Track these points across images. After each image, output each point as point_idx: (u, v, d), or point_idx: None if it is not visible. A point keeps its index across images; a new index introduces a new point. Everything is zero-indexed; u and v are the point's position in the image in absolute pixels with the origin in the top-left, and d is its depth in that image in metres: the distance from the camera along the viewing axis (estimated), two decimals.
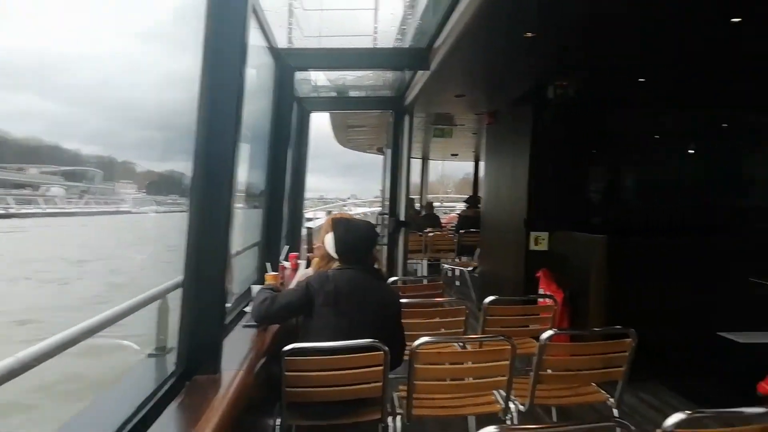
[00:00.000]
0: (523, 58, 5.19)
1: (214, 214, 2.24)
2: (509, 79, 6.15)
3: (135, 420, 1.71)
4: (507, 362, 2.61)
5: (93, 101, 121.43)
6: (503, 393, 2.74)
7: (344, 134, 13.61)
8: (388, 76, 7.71)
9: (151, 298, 2.46)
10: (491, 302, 3.68)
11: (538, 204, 5.74)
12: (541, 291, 5.00)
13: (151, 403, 1.83)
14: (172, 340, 2.40)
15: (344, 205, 26.15)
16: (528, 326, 3.89)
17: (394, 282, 4.77)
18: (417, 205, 13.39)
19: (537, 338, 3.77)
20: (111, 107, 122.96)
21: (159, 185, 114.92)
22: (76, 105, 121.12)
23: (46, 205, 61.72)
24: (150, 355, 2.36)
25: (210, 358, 2.17)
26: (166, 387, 1.97)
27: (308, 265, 4.48)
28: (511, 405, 2.76)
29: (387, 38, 7.02)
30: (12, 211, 53.06)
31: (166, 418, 1.79)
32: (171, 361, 2.25)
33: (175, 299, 2.45)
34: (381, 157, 13.14)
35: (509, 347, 2.61)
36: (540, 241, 5.47)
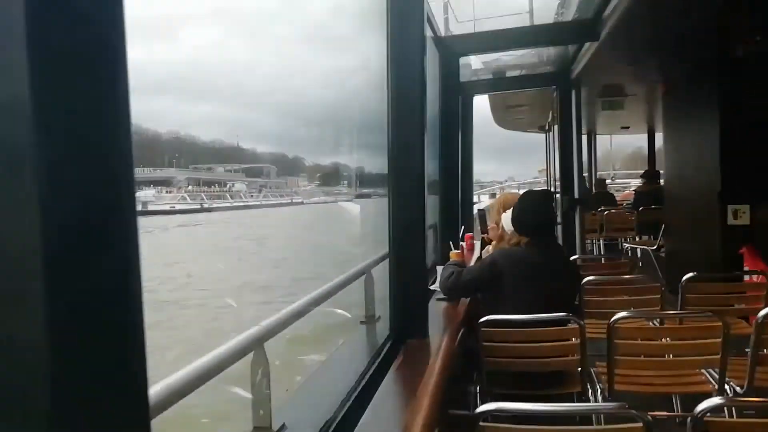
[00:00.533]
0: (708, 14, 4.71)
1: (410, 195, 2.47)
2: (690, 41, 5.61)
3: (363, 381, 1.94)
4: (717, 340, 2.47)
5: (264, 104, 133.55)
6: (714, 373, 2.60)
7: (504, 115, 13.38)
8: (550, 51, 7.46)
9: (359, 272, 2.75)
10: (690, 279, 3.46)
11: (735, 175, 5.17)
12: (746, 269, 4.54)
13: (374, 366, 2.07)
14: (378, 309, 2.67)
15: (503, 188, 25.67)
16: (733, 305, 3.59)
17: (574, 260, 4.68)
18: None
19: (745, 318, 3.48)
20: (279, 108, 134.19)
21: (326, 177, 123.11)
22: (249, 109, 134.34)
23: (232, 200, 69.69)
24: (362, 323, 2.65)
25: (419, 323, 2.39)
26: (384, 351, 2.22)
27: (482, 245, 4.58)
28: (726, 386, 2.60)
29: (544, 14, 6.81)
30: (206, 205, 60.70)
31: (390, 380, 1.99)
32: (381, 327, 2.51)
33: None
34: (542, 136, 12.71)
35: (719, 324, 2.47)
36: (740, 215, 4.95)
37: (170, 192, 59.99)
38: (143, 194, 56.80)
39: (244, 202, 69.61)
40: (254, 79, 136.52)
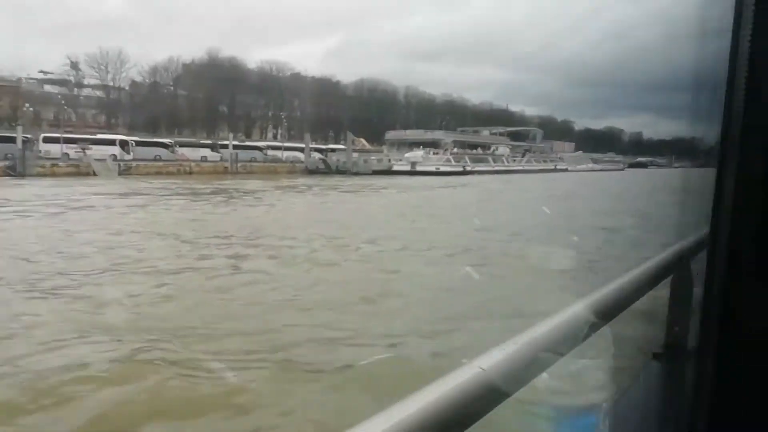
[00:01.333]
0: None
1: None
2: None
3: None
4: None
5: (536, 65, 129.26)
6: None
7: None
8: None
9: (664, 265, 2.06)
10: None
11: None
12: None
13: None
14: None
15: None
16: None
17: None
18: None
19: None
20: (551, 69, 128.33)
21: (596, 143, 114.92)
22: (520, 71, 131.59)
23: (494, 164, 70.05)
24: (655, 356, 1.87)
25: None
26: None
27: None
28: None
29: None
30: (468, 168, 62.14)
31: None
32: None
33: None
34: None
35: None
36: None
37: (437, 153, 63.02)
38: (412, 155, 61.09)
39: (506, 166, 69.35)
40: (530, 39, 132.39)
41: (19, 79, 76.63)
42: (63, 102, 67.56)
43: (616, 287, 1.36)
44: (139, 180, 38.81)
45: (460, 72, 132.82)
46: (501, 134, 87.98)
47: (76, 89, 75.96)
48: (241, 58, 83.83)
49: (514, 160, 76.17)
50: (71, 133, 54.38)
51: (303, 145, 60.43)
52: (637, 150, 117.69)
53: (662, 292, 1.67)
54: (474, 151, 71.68)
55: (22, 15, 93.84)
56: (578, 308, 1.15)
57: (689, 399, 1.35)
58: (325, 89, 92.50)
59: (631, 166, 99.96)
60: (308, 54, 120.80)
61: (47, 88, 76.15)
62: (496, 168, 67.48)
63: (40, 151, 45.95)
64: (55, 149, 45.32)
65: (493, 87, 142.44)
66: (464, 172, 59.29)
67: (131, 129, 71.49)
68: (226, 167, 51.67)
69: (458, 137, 76.01)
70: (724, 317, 1.22)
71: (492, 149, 77.39)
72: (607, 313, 1.27)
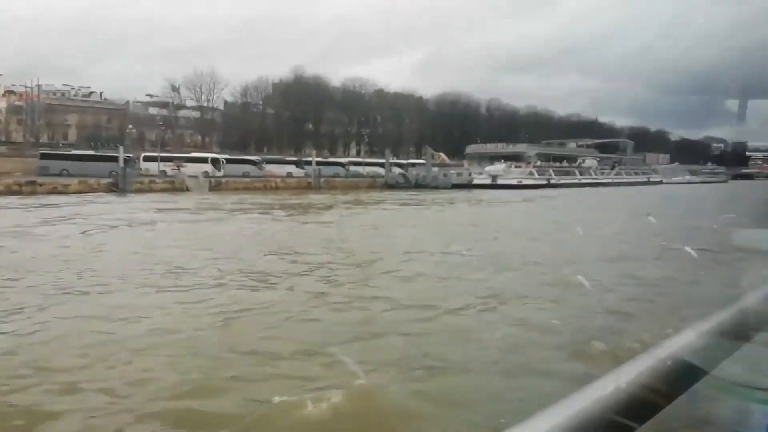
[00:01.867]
0: None
1: None
2: None
3: None
4: None
5: (627, 72, 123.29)
6: None
7: None
8: None
9: None
10: None
11: None
12: None
13: None
14: None
15: None
16: None
17: None
18: None
19: None
20: (645, 75, 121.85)
21: (692, 154, 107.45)
22: (611, 79, 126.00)
23: (581, 176, 67.21)
24: None
25: None
26: None
27: None
28: None
29: None
30: (552, 181, 60.04)
31: None
32: None
33: None
34: None
35: None
36: None
37: (518, 167, 61.31)
38: (493, 168, 59.89)
39: (593, 179, 66.14)
40: (623, 45, 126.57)
41: (127, 102, 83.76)
42: (161, 123, 72.78)
43: None
44: (229, 195, 40.98)
45: (546, 83, 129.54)
46: (588, 146, 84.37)
47: (175, 111, 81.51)
48: (326, 76, 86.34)
49: (603, 173, 72.65)
50: (169, 151, 58.45)
51: (383, 161, 61.12)
52: (741, 160, 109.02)
53: None
54: (559, 163, 69.04)
55: (128, 41, 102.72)
56: (717, 322, 1.00)
57: None
58: (407, 104, 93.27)
59: (736, 177, 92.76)
60: (394, 70, 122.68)
61: (151, 110, 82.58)
62: (583, 181, 64.66)
63: (140, 169, 49.72)
64: (153, 167, 48.84)
65: (581, 97, 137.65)
66: (548, 185, 57.35)
67: (223, 147, 75.76)
68: (309, 182, 53.22)
69: (542, 150, 73.72)
70: None
71: (578, 162, 74.23)
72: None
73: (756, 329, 1.03)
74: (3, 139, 69.18)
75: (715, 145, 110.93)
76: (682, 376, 0.82)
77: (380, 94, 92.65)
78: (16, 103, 74.62)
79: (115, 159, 44.21)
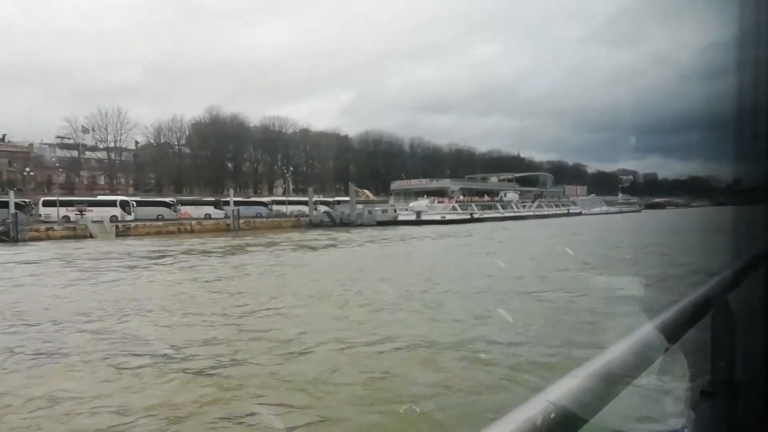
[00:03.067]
0: None
1: None
2: None
3: None
4: None
5: (541, 112, 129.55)
6: None
7: None
8: None
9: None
10: None
11: None
12: None
13: None
14: None
15: None
16: None
17: None
18: None
19: None
20: (558, 114, 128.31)
21: (608, 185, 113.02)
22: (528, 118, 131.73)
23: (503, 210, 68.50)
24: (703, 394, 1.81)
25: None
26: None
27: None
28: None
29: None
30: (476, 215, 60.71)
31: None
32: None
33: None
34: None
35: None
36: None
37: (441, 202, 61.74)
38: (417, 204, 59.91)
39: (515, 212, 67.47)
40: (536, 87, 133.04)
41: (30, 144, 78.29)
42: (57, 165, 68.41)
43: (658, 325, 1.33)
44: (136, 240, 38.19)
45: (466, 122, 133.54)
46: (509, 180, 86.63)
47: (84, 152, 77.02)
48: (243, 115, 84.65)
49: (524, 206, 74.52)
50: (74, 195, 54.56)
51: (307, 199, 59.93)
52: (653, 190, 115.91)
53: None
54: (479, 198, 70.11)
55: (40, 82, 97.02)
56: (618, 350, 1.12)
57: None
58: (331, 143, 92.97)
59: (648, 207, 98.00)
60: (320, 111, 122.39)
61: (59, 152, 77.45)
62: (505, 214, 65.85)
63: (40, 215, 45.83)
64: (55, 212, 45.15)
65: (502, 135, 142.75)
66: (472, 220, 57.85)
67: (138, 189, 71.95)
68: (228, 224, 50.97)
69: (466, 185, 74.77)
70: None
71: (500, 196, 75.82)
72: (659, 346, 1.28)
73: (625, 374, 1.10)
74: None
75: (624, 177, 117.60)
76: (564, 424, 0.84)
77: (304, 132, 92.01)
78: None
79: (5, 205, 40.34)
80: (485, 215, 61.69)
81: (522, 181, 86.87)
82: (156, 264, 22.28)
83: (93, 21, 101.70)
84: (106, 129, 76.73)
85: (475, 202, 66.49)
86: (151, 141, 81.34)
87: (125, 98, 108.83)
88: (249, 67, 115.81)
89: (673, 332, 1.36)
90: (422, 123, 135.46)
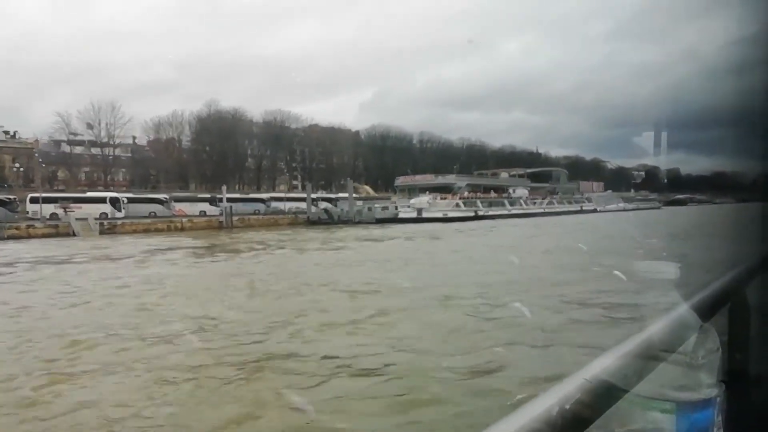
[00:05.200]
0: None
1: None
2: None
3: None
4: None
5: (567, 107, 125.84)
6: None
7: None
8: None
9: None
10: None
11: None
12: None
13: None
14: None
15: None
16: None
17: None
18: None
19: None
20: (582, 110, 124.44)
21: (627, 182, 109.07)
22: (552, 114, 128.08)
23: (511, 207, 65.68)
24: None
25: None
26: None
27: None
28: None
29: None
30: (480, 213, 58.08)
31: None
32: None
33: None
34: None
35: None
36: None
37: (444, 198, 59.21)
38: (417, 201, 57.54)
39: (523, 209, 64.43)
40: (561, 82, 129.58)
41: (36, 140, 77.82)
42: (40, 162, 67.41)
43: (674, 319, 1.36)
44: (122, 238, 36.82)
45: (488, 118, 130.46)
46: (521, 176, 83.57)
47: (87, 148, 76.17)
48: (244, 109, 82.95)
49: (534, 203, 71.52)
50: (73, 192, 53.47)
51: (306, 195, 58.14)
52: (673, 187, 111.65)
53: None
54: (486, 194, 67.33)
55: (73, 83, 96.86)
56: (630, 346, 1.13)
57: (758, 429, 1.57)
58: (338, 138, 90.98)
59: (668, 203, 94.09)
60: (344, 108, 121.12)
61: (64, 148, 76.74)
62: (513, 211, 63.05)
63: (27, 212, 44.77)
64: (44, 209, 44.02)
65: (523, 131, 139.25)
66: (476, 217, 55.31)
67: (137, 186, 70.82)
68: (221, 222, 49.37)
69: (473, 180, 72.08)
70: None
71: (509, 192, 72.91)
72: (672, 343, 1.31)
73: (662, 350, 1.17)
74: None
75: (636, 173, 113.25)
76: (604, 395, 0.91)
77: (312, 128, 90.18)
78: None
79: None
80: (491, 212, 59.01)
81: (534, 177, 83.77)
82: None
83: (125, 22, 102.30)
84: (99, 124, 75.49)
85: (480, 198, 63.79)
86: (152, 137, 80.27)
87: (157, 95, 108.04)
88: (278, 66, 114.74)
89: (688, 328, 1.41)
90: (445, 120, 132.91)
